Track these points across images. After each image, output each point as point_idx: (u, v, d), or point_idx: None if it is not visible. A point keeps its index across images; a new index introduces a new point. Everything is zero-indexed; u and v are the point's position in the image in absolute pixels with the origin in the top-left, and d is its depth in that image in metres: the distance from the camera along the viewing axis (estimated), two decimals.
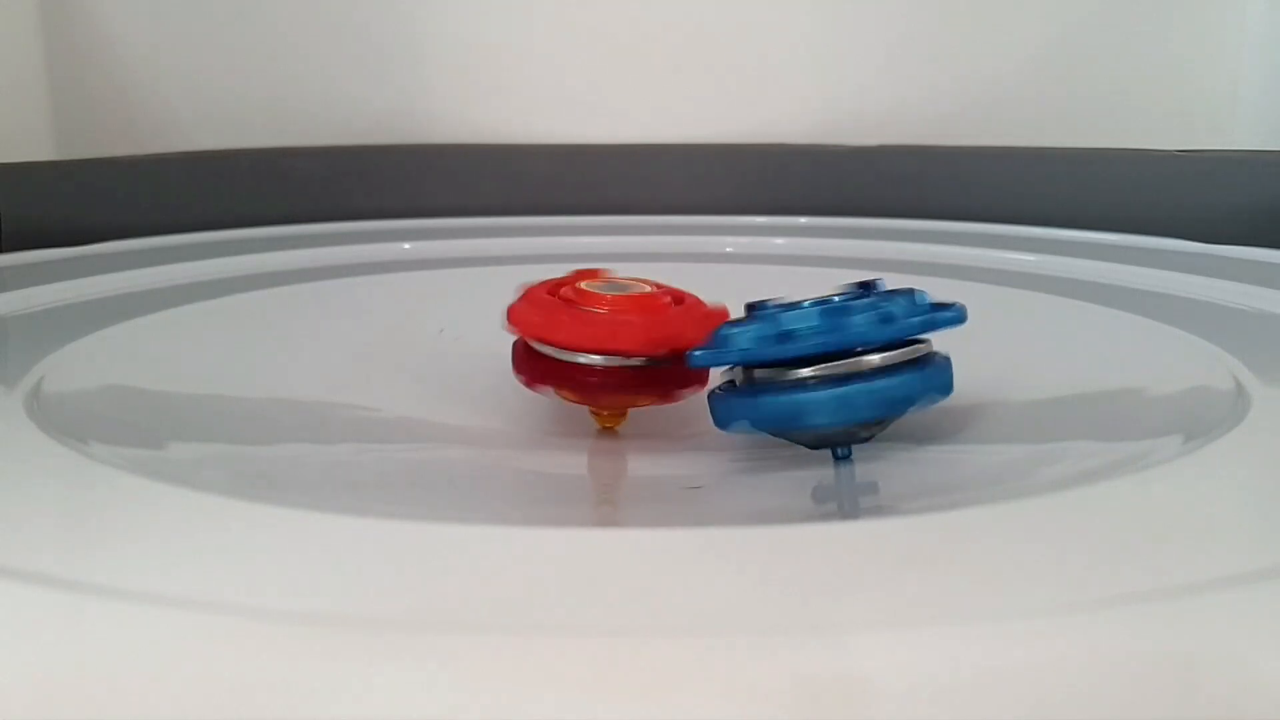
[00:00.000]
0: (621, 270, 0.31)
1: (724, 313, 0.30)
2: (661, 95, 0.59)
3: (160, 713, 0.13)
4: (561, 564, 0.18)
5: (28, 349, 0.31)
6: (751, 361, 0.26)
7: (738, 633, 0.15)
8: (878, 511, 0.26)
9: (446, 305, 0.40)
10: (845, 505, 0.27)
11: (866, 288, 0.26)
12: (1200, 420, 0.25)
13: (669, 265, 0.33)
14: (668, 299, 0.30)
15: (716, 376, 0.29)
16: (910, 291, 0.26)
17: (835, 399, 0.25)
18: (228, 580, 0.17)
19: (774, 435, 0.27)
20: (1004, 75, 0.59)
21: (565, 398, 0.30)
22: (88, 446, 0.24)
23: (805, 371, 0.25)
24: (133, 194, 0.54)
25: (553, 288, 0.30)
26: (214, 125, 0.59)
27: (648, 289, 0.30)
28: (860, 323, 0.25)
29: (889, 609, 0.16)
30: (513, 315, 0.29)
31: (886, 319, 0.25)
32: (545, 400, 0.31)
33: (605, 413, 0.31)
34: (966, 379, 0.31)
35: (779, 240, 0.51)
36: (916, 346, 0.26)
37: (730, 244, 0.50)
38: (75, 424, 0.25)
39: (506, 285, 0.30)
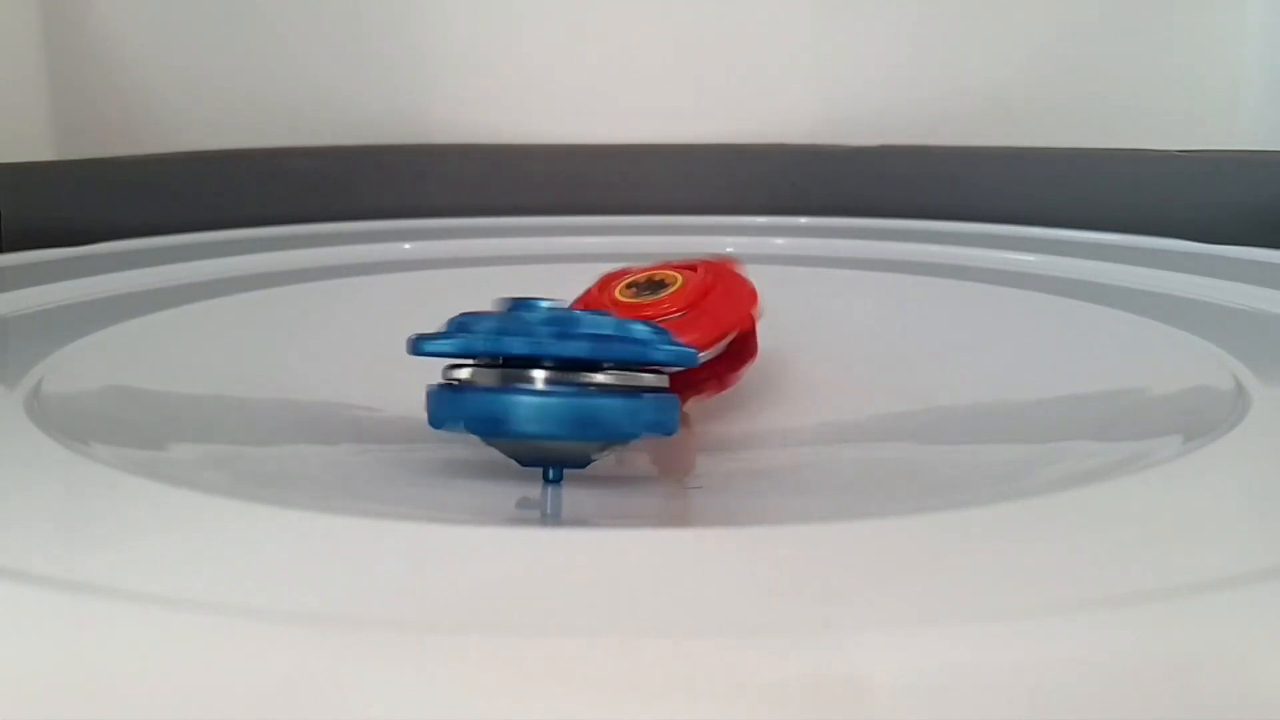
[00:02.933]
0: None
1: (750, 290, 0.30)
2: (661, 95, 0.59)
3: (160, 713, 0.13)
4: (561, 564, 0.18)
5: (28, 349, 0.30)
6: (468, 355, 0.25)
7: (737, 633, 0.15)
8: (877, 512, 0.26)
9: (446, 305, 0.40)
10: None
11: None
12: (1200, 420, 0.25)
13: None
14: (699, 285, 0.30)
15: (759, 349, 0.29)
16: (654, 326, 0.25)
17: (532, 406, 0.24)
18: (228, 580, 0.17)
19: (489, 442, 0.26)
20: (1004, 75, 0.59)
21: None
22: (88, 447, 0.24)
23: (531, 375, 0.24)
24: (133, 194, 0.54)
25: (600, 289, 0.30)
26: (214, 125, 0.59)
27: (674, 275, 0.30)
28: (577, 334, 0.24)
29: (889, 609, 0.16)
30: None
31: (607, 338, 0.24)
32: None
33: None
34: (967, 379, 0.31)
35: (779, 240, 0.51)
36: (644, 378, 0.25)
37: (730, 244, 0.50)
38: (75, 424, 0.25)
39: (506, 285, 0.30)
